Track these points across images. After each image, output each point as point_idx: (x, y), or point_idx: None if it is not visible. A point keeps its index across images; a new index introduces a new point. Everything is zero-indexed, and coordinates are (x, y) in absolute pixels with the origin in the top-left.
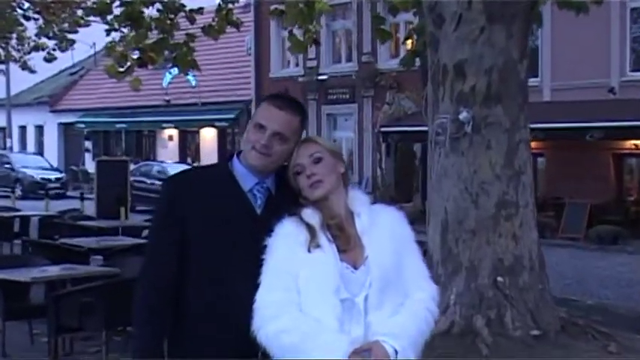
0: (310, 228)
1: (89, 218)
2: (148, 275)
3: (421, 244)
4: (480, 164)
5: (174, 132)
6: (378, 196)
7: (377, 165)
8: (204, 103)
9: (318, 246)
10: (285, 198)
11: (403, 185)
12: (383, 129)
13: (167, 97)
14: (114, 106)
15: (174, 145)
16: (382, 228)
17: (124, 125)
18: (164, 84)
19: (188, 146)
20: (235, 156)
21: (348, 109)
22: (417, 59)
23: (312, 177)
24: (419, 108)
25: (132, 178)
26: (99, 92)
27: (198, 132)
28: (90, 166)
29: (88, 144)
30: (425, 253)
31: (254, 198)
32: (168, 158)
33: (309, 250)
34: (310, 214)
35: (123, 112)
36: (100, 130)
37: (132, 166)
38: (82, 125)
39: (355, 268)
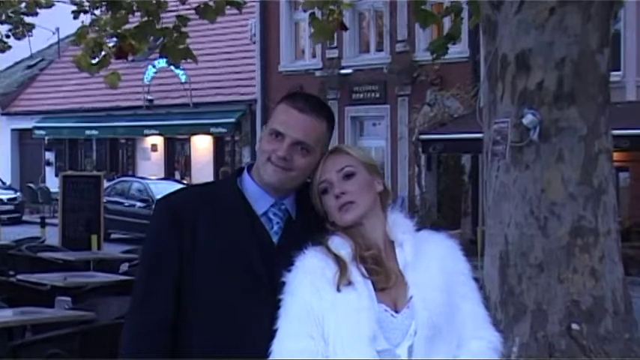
0: (340, 261)
1: (52, 249)
2: (138, 319)
3: (475, 281)
4: (549, 180)
5: (158, 140)
6: (417, 222)
7: (415, 182)
8: (196, 104)
9: (349, 283)
10: (309, 223)
11: (448, 207)
12: (422, 136)
13: (149, 97)
14: (82, 107)
15: (158, 157)
16: (430, 261)
17: (95, 132)
18: (146, 80)
19: (176, 158)
20: (246, 171)
21: (378, 111)
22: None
23: (342, 197)
24: (468, 110)
25: (105, 199)
26: (63, 90)
27: (188, 140)
28: (52, 183)
29: (49, 155)
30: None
31: (269, 223)
32: (152, 173)
33: (338, 289)
34: (340, 244)
35: (94, 115)
36: (64, 137)
37: (105, 184)
38: (42, 132)
39: (396, 311)
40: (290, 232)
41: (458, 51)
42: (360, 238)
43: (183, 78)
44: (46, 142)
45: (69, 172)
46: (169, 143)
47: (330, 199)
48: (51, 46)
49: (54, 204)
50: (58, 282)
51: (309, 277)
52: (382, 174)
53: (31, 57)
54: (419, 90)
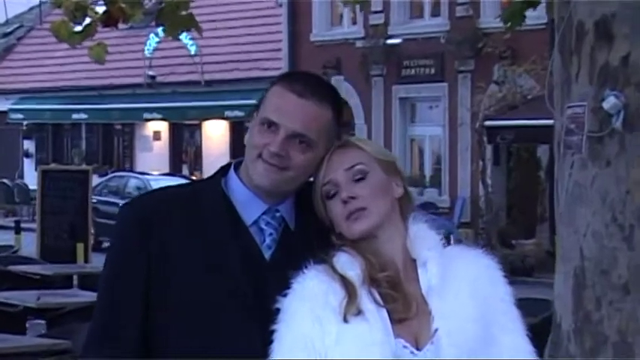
0: (348, 284)
1: (28, 261)
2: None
3: (543, 304)
4: (636, 180)
5: (162, 126)
6: (481, 230)
7: (479, 179)
8: (208, 82)
9: (359, 313)
10: (310, 235)
11: (520, 211)
12: (488, 122)
13: (151, 72)
14: (69, 85)
15: (162, 147)
16: (461, 284)
17: (84, 116)
18: (147, 52)
19: (184, 149)
20: (232, 169)
21: (433, 90)
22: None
23: (352, 202)
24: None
25: (95, 199)
26: (46, 64)
27: (199, 126)
28: (32, 178)
29: (28, 144)
30: (549, 318)
31: (261, 235)
32: (153, 168)
33: (345, 320)
34: (348, 263)
35: (83, 95)
36: (47, 122)
37: (96, 180)
38: (20, 115)
39: (418, 347)
40: (286, 246)
41: (534, 16)
42: (373, 255)
43: (192, 50)
44: (24, 128)
45: (50, 166)
46: (175, 130)
47: (337, 205)
48: (31, 9)
49: (33, 205)
50: (30, 302)
51: (309, 304)
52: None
53: (7, 23)
54: (484, 65)
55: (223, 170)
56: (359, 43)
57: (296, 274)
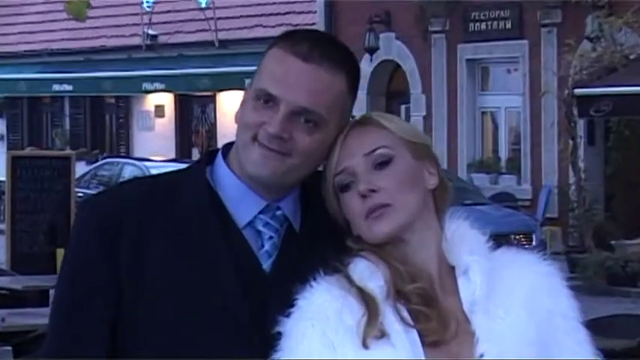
0: (368, 300)
1: None
2: None
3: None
4: None
5: (165, 99)
6: (571, 227)
7: (568, 162)
8: (223, 42)
9: (382, 335)
10: (319, 238)
11: (623, 203)
12: (580, 90)
13: (151, 31)
14: (49, 49)
15: (166, 126)
16: (513, 297)
17: (67, 87)
18: (145, 5)
19: (194, 128)
20: (220, 155)
21: (509, 49)
22: None
23: (373, 196)
24: None
25: (81, 192)
26: (20, 22)
27: (213, 99)
28: (1, 167)
29: None
30: None
31: (257, 238)
32: (156, 152)
33: (364, 344)
34: (368, 271)
35: (66, 61)
36: (21, 95)
37: (83, 168)
38: None
39: None
40: (290, 252)
41: None
42: (400, 262)
43: (203, 2)
44: None
45: (22, 152)
46: (183, 104)
47: (354, 199)
48: None
49: (4, 200)
50: None
51: (318, 326)
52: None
53: None
54: (574, 16)
55: (209, 156)
56: None
57: (302, 287)
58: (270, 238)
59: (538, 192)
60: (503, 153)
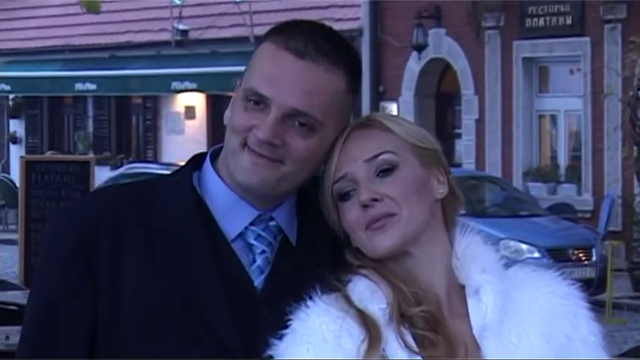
0: (368, 323)
1: (4, 286)
2: None
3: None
4: None
5: (197, 99)
6: (636, 242)
7: (634, 171)
8: (259, 38)
9: None
10: (316, 252)
11: None
12: None
13: (182, 26)
14: (71, 45)
15: (197, 129)
16: (529, 321)
17: (91, 86)
18: None
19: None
20: (208, 160)
21: (569, 48)
22: None
23: (376, 206)
24: None
25: None
26: (39, 16)
27: None
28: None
29: (15, 126)
30: None
31: (248, 253)
32: (186, 157)
33: None
34: (369, 292)
35: (90, 58)
36: (41, 95)
37: (106, 174)
38: (4, 86)
39: None
40: (284, 267)
41: None
42: (404, 280)
43: None
44: (10, 103)
45: (36, 156)
46: (216, 105)
47: (354, 208)
48: None
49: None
50: (4, 346)
51: (314, 350)
52: (446, 165)
53: None
54: (639, 10)
55: (195, 161)
56: None
57: (297, 307)
58: (263, 252)
59: (600, 203)
60: (562, 160)
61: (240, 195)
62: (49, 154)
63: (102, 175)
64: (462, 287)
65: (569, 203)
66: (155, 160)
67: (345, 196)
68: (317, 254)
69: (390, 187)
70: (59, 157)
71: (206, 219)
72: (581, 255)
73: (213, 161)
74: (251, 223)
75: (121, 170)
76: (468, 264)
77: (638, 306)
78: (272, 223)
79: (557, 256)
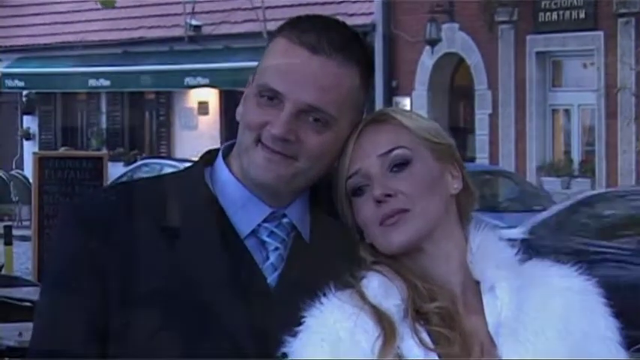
0: (383, 319)
1: (17, 282)
2: None
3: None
4: None
5: (210, 95)
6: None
7: None
8: (273, 34)
9: (399, 358)
10: (330, 247)
11: None
12: None
13: (195, 22)
14: (84, 40)
15: (211, 124)
16: (545, 317)
17: (105, 82)
18: None
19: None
20: (221, 157)
21: (583, 42)
22: None
23: (389, 202)
24: None
25: None
26: (51, 12)
27: None
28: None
29: (29, 122)
30: None
31: (261, 250)
32: (199, 153)
33: None
34: (383, 288)
35: (103, 54)
36: (54, 92)
37: (119, 170)
38: (17, 82)
39: None
40: (297, 264)
41: None
42: (419, 277)
43: None
44: (23, 99)
45: (49, 152)
46: (229, 101)
47: (368, 204)
48: None
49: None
50: (9, 339)
51: (328, 348)
52: (460, 160)
53: None
54: None
55: (207, 158)
56: None
57: (311, 304)
58: (276, 249)
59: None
60: (576, 155)
61: (253, 192)
62: (62, 150)
63: (115, 171)
64: (477, 283)
65: None
66: (169, 156)
67: (358, 192)
68: (330, 251)
69: (404, 182)
70: (72, 153)
71: (218, 216)
72: None
73: (225, 158)
74: (264, 220)
75: (134, 166)
76: (483, 260)
77: None
78: (285, 220)
79: None
